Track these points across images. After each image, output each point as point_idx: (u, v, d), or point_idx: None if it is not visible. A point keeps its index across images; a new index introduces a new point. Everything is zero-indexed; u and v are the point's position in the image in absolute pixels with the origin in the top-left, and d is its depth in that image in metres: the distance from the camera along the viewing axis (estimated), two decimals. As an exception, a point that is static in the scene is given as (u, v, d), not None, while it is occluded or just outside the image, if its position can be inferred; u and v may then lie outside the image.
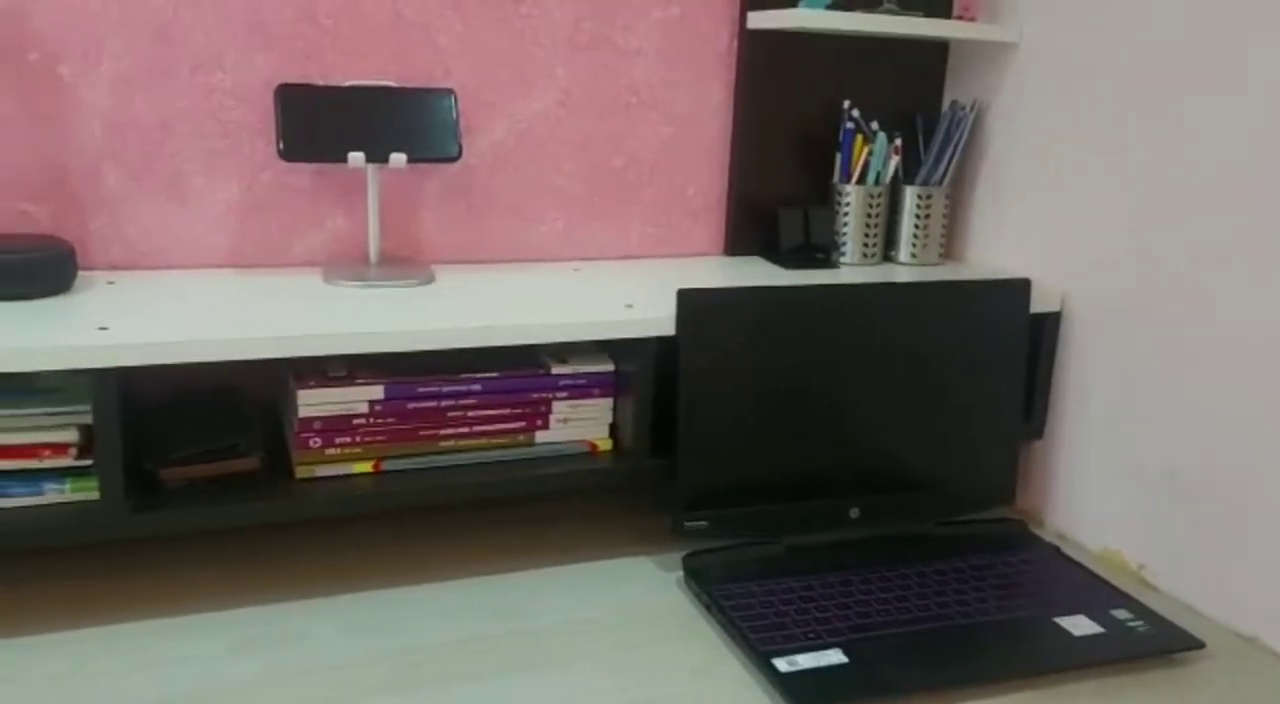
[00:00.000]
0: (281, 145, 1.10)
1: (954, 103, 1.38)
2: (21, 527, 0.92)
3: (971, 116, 1.35)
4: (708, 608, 1.01)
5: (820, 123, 1.38)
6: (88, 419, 0.95)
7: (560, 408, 1.11)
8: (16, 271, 0.99)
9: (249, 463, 1.01)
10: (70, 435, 0.94)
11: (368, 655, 0.92)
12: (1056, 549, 1.17)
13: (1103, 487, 1.20)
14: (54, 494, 0.94)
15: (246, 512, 0.99)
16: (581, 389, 1.11)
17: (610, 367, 1.12)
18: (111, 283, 1.08)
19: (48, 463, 0.94)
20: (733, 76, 1.35)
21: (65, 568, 1.04)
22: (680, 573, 1.07)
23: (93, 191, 1.12)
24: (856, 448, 1.14)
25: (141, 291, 1.06)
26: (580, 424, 1.12)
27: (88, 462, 0.95)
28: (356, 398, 1.03)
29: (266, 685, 0.87)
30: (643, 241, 1.37)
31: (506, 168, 1.28)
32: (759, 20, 1.30)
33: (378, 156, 1.13)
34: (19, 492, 0.93)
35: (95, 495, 0.94)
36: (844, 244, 1.37)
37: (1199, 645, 0.98)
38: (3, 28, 1.04)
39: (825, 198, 1.39)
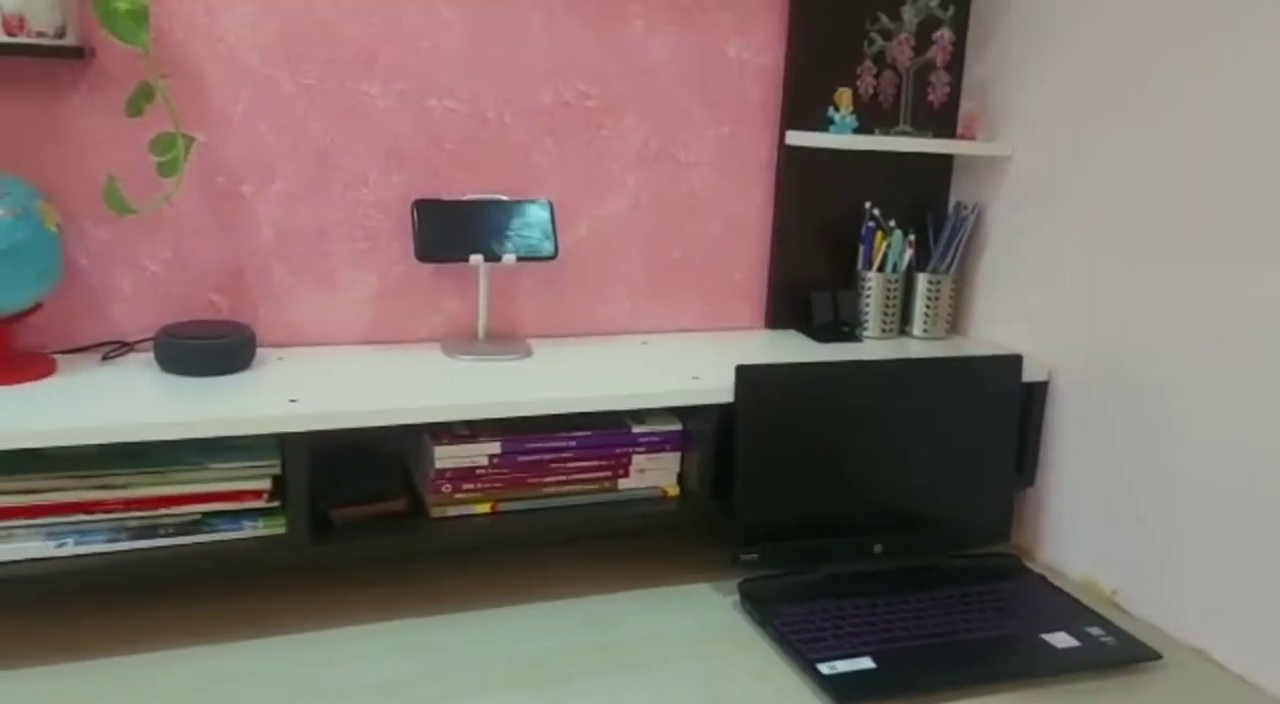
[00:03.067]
0: (419, 249, 1.37)
1: (958, 204, 1.65)
2: (229, 556, 1.18)
3: (973, 216, 1.61)
4: (761, 625, 1.26)
5: (845, 219, 1.64)
6: (277, 470, 1.21)
7: (639, 460, 1.36)
8: (219, 353, 1.26)
9: (398, 504, 1.27)
10: (264, 483, 1.21)
11: (493, 659, 1.17)
12: (1044, 578, 1.42)
13: (1083, 526, 1.44)
14: (250, 530, 1.20)
15: (396, 544, 1.26)
16: (656, 445, 1.37)
17: (679, 426, 1.38)
18: (281, 359, 1.35)
19: (246, 505, 1.20)
20: (773, 182, 1.62)
21: (258, 589, 1.29)
22: (736, 596, 1.32)
23: (263, 284, 1.39)
24: (878, 494, 1.39)
25: (307, 366, 1.32)
26: (655, 473, 1.37)
27: (276, 504, 1.21)
28: (479, 452, 1.29)
29: (419, 680, 1.12)
30: (697, 317, 1.64)
31: (586, 259, 1.55)
32: (796, 139, 1.56)
33: (491, 256, 1.40)
34: (225, 528, 1.19)
35: (282, 531, 1.20)
36: (866, 321, 1.63)
37: (1157, 656, 1.23)
38: (202, 158, 1.32)
39: (850, 282, 1.65)
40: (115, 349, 1.31)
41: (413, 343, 1.48)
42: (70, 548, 1.12)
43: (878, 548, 1.40)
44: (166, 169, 1.22)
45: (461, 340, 1.47)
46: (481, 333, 1.46)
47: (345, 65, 1.37)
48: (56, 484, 1.12)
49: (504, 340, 1.49)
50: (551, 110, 1.48)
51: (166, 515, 1.16)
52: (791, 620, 1.25)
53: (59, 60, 1.22)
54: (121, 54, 1.24)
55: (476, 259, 1.39)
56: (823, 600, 1.30)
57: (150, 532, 1.16)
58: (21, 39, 1.15)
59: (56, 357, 1.27)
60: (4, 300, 1.16)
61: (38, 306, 1.22)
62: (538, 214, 1.45)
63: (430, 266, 1.46)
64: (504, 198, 1.45)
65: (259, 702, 1.06)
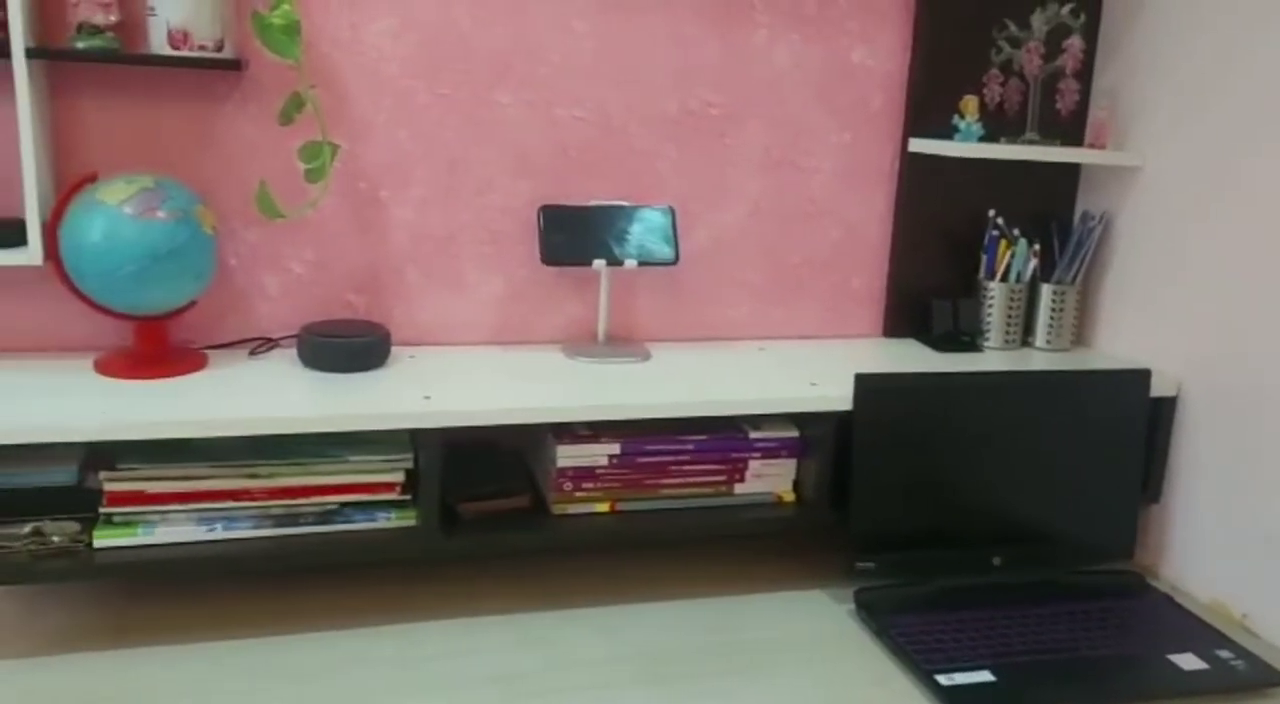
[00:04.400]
0: (544, 253, 1.41)
1: (1085, 213, 1.62)
2: (364, 545, 1.24)
3: (1101, 226, 1.58)
4: (877, 634, 1.26)
5: (967, 227, 1.63)
6: (409, 464, 1.26)
7: (755, 466, 1.38)
8: (358, 351, 1.32)
9: (522, 501, 1.31)
10: (397, 477, 1.26)
11: (618, 655, 1.20)
12: (1169, 598, 1.38)
13: (1212, 546, 1.40)
14: (384, 521, 1.26)
15: (520, 539, 1.30)
16: (772, 451, 1.38)
17: (796, 433, 1.39)
18: (412, 357, 1.40)
19: (381, 497, 1.26)
20: (894, 189, 1.62)
21: (390, 578, 1.34)
22: (851, 605, 1.32)
23: (397, 286, 1.45)
24: (999, 506, 1.38)
25: (437, 365, 1.37)
26: (770, 479, 1.39)
27: (408, 497, 1.26)
28: (600, 453, 1.32)
29: (547, 672, 1.16)
30: (814, 324, 1.64)
31: (705, 264, 1.57)
32: (919, 146, 1.56)
33: (614, 261, 1.43)
34: (361, 519, 1.25)
35: (413, 523, 1.26)
36: (988, 331, 1.61)
37: (1290, 683, 1.19)
38: (344, 165, 1.38)
39: (971, 290, 1.63)
40: (261, 345, 1.38)
41: (534, 344, 1.52)
42: (219, 533, 1.20)
43: (996, 560, 1.39)
44: (313, 175, 1.28)
45: (582, 342, 1.51)
46: (601, 335, 1.49)
47: (479, 76, 1.42)
48: (208, 472, 1.19)
49: (623, 343, 1.52)
50: (676, 118, 1.51)
51: (307, 505, 1.23)
52: (908, 630, 1.25)
53: (217, 72, 1.30)
54: (272, 66, 1.30)
55: (599, 263, 1.43)
56: (940, 611, 1.30)
57: (292, 520, 1.22)
58: (185, 52, 1.23)
59: (207, 351, 1.35)
60: (164, 298, 1.24)
61: (192, 304, 1.30)
62: (659, 219, 1.48)
63: (553, 270, 1.50)
64: (626, 204, 1.48)
65: (394, 686, 1.11)
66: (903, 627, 1.26)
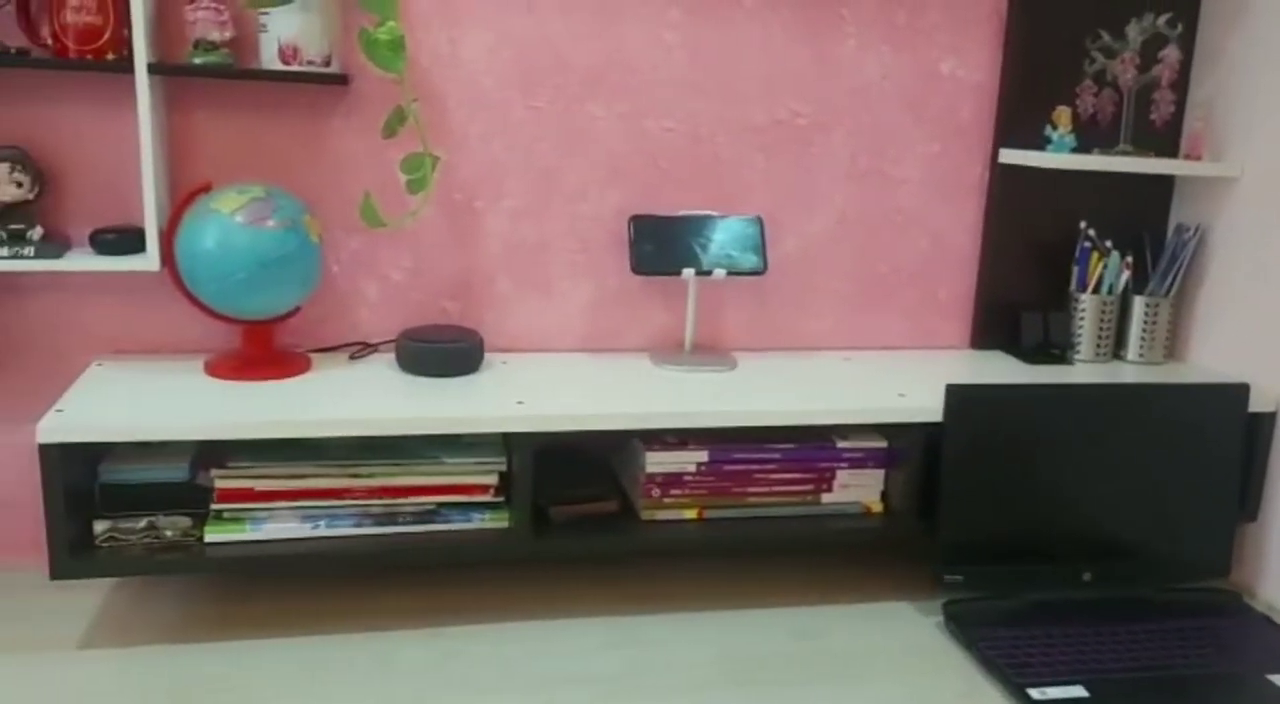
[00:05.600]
0: (634, 262, 1.43)
1: (1179, 225, 1.59)
2: (460, 545, 1.27)
3: (1196, 238, 1.55)
4: (966, 647, 1.25)
5: (1057, 239, 1.61)
6: (502, 467, 1.29)
7: (843, 475, 1.38)
8: (455, 357, 1.35)
9: (611, 505, 1.33)
10: (491, 479, 1.29)
11: (701, 660, 1.21)
12: (1268, 618, 1.35)
13: (1313, 567, 1.37)
14: (478, 522, 1.29)
15: (609, 543, 1.32)
16: (860, 461, 1.38)
17: (884, 444, 1.39)
18: (504, 363, 1.44)
19: (475, 498, 1.29)
20: (984, 199, 1.61)
21: (483, 577, 1.37)
22: (939, 617, 1.32)
23: (489, 293, 1.48)
24: (1089, 520, 1.36)
25: (528, 371, 1.40)
26: (858, 489, 1.39)
27: (501, 499, 1.29)
28: (688, 460, 1.34)
29: (631, 675, 1.17)
30: (899, 335, 1.64)
31: (791, 274, 1.58)
32: (1010, 157, 1.55)
33: (702, 271, 1.45)
34: (457, 519, 1.28)
35: (506, 524, 1.29)
36: (1078, 343, 1.59)
37: (1398, 708, 1.16)
38: (442, 176, 1.42)
39: (1061, 302, 1.62)
40: (360, 350, 1.43)
41: (621, 352, 1.54)
42: (322, 530, 1.24)
43: (1087, 576, 1.37)
44: (415, 186, 1.32)
45: (668, 351, 1.52)
46: (688, 344, 1.51)
47: (572, 89, 1.45)
48: (313, 471, 1.24)
49: (709, 352, 1.53)
50: (763, 128, 1.52)
51: (406, 504, 1.26)
52: (998, 644, 1.24)
53: (324, 86, 1.35)
54: (375, 80, 1.35)
55: (688, 273, 1.44)
56: (1030, 625, 1.29)
57: (391, 518, 1.26)
58: (295, 67, 1.28)
59: (310, 355, 1.40)
60: (272, 303, 1.28)
61: (297, 309, 1.35)
62: (748, 229, 1.49)
63: (641, 278, 1.52)
64: (715, 214, 1.49)
65: (488, 682, 1.14)
66: (993, 640, 1.25)
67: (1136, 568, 1.38)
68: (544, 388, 1.33)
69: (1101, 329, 1.58)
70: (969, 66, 1.56)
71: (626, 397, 1.32)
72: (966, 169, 1.60)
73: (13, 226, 1.24)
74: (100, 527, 1.19)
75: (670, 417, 1.28)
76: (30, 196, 1.25)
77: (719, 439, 1.35)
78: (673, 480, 1.34)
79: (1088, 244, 1.57)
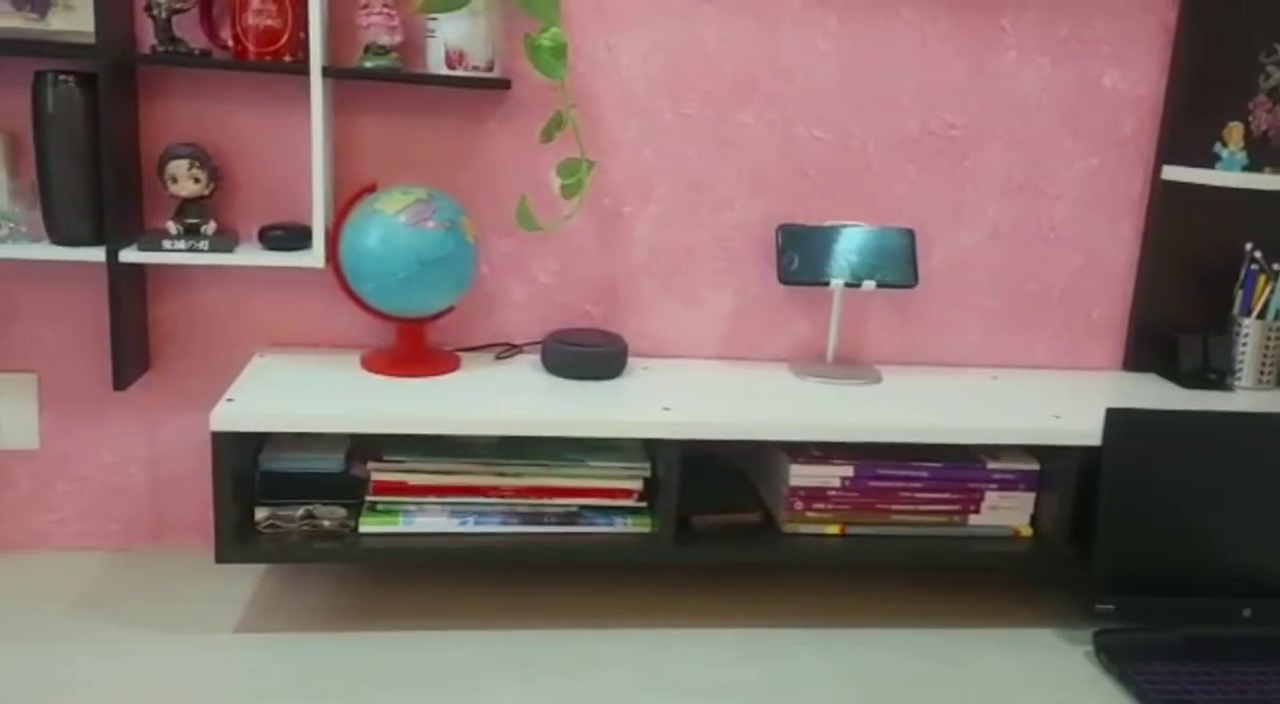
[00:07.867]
0: (781, 272, 1.42)
1: (1357, 249, 1.51)
2: (602, 548, 1.28)
3: (1374, 263, 1.47)
4: (1120, 679, 1.20)
5: (1220, 261, 1.55)
6: (647, 473, 1.29)
7: (991, 497, 1.35)
8: (600, 360, 1.36)
9: (754, 517, 1.32)
10: (636, 484, 1.29)
11: (839, 678, 1.19)
12: None
13: None
14: (621, 526, 1.29)
15: (750, 554, 1.31)
16: (1010, 483, 1.35)
17: (1036, 466, 1.35)
18: (646, 368, 1.44)
19: (619, 503, 1.29)
20: (1142, 217, 1.56)
21: (624, 582, 1.38)
22: (1089, 647, 1.27)
23: (633, 298, 1.49)
24: (1252, 555, 1.30)
25: (670, 377, 1.40)
26: (1007, 512, 1.35)
27: (644, 504, 1.30)
28: (833, 474, 1.32)
29: (766, 689, 1.16)
30: (1047, 354, 1.59)
31: (939, 288, 1.55)
32: (1173, 174, 1.49)
33: (851, 282, 1.43)
34: (600, 522, 1.29)
35: (648, 530, 1.29)
36: (1239, 370, 1.52)
37: None
38: (594, 182, 1.43)
39: (1222, 326, 1.55)
40: (506, 350, 1.44)
41: (761, 361, 1.53)
42: (470, 526, 1.26)
43: (1246, 612, 1.31)
44: (570, 190, 1.33)
45: (810, 361, 1.51)
46: (830, 355, 1.49)
47: (723, 96, 1.44)
48: (462, 468, 1.26)
49: (852, 364, 1.51)
50: (916, 139, 1.49)
51: (551, 505, 1.28)
52: (1155, 678, 1.19)
53: (485, 91, 1.37)
54: (534, 85, 1.36)
55: (836, 284, 1.43)
56: (1187, 661, 1.23)
57: (537, 518, 1.27)
58: (460, 72, 1.30)
59: (459, 353, 1.42)
60: (429, 302, 1.31)
61: (450, 309, 1.37)
62: (899, 242, 1.46)
63: (783, 288, 1.51)
64: (865, 225, 1.47)
65: (624, 686, 1.14)
66: (1149, 674, 1.20)
67: (1303, 608, 1.32)
68: (688, 395, 1.33)
69: (1266, 355, 1.51)
70: (1132, 79, 1.51)
71: (772, 406, 1.31)
72: (1125, 185, 1.55)
73: (189, 221, 1.29)
74: (261, 513, 1.23)
75: (819, 429, 1.26)
76: (206, 192, 1.31)
77: (863, 454, 1.32)
78: (816, 494, 1.32)
79: (1255, 267, 1.50)
